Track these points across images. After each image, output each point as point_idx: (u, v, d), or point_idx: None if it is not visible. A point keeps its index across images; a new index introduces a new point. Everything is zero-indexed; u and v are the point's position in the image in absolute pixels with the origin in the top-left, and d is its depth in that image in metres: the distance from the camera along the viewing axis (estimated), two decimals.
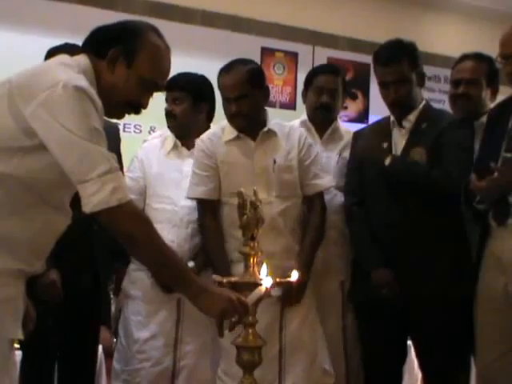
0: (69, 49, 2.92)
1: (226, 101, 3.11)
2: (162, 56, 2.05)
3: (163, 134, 3.43)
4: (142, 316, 3.21)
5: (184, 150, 3.33)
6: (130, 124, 5.01)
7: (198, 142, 3.19)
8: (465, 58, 3.45)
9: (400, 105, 3.18)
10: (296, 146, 3.16)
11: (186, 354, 3.18)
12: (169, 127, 3.37)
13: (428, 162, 3.09)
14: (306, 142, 3.19)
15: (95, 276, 3.14)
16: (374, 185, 3.19)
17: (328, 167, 3.38)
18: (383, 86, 3.19)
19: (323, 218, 3.19)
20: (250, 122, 3.11)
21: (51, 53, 2.98)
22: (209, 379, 3.19)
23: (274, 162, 3.11)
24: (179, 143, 3.33)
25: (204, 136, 3.20)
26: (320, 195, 3.21)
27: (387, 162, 3.11)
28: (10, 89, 1.88)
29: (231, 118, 3.12)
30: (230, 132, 3.15)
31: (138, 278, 3.24)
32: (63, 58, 2.02)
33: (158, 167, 3.30)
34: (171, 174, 3.29)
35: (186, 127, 3.32)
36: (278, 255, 2.97)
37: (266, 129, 3.14)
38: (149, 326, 3.19)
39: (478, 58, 3.42)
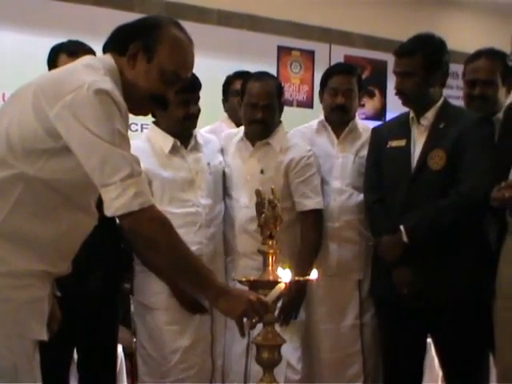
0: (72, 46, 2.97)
1: (252, 106, 3.23)
2: (182, 48, 2.03)
3: (146, 135, 3.30)
4: (178, 325, 3.14)
5: (183, 148, 3.21)
6: (147, 124, 5.01)
7: None
8: (479, 55, 3.32)
9: (402, 96, 3.18)
10: (291, 164, 3.27)
11: (220, 352, 3.24)
12: (187, 129, 3.22)
13: (447, 167, 3.04)
14: (304, 162, 3.28)
15: (106, 276, 3.06)
16: (393, 183, 3.17)
17: (344, 168, 3.41)
18: (395, 75, 3.21)
19: (314, 233, 3.27)
20: (267, 129, 3.28)
21: (55, 50, 3.01)
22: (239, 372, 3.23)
23: (261, 171, 3.24)
24: (178, 142, 3.20)
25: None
26: (311, 213, 3.27)
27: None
28: (35, 91, 1.88)
29: (252, 122, 3.26)
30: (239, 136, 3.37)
31: (161, 290, 3.13)
32: (88, 59, 2.02)
33: (165, 170, 3.16)
34: (181, 174, 3.18)
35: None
36: (248, 255, 3.14)
37: (264, 141, 3.29)
38: (186, 333, 3.13)
39: (493, 55, 3.31)
